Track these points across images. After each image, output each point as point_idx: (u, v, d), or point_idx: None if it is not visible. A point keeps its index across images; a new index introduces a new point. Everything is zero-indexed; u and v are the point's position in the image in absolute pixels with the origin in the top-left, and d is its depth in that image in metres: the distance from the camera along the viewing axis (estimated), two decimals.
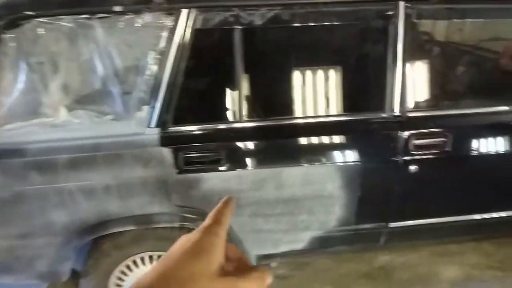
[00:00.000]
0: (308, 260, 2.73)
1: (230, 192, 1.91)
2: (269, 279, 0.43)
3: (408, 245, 2.66)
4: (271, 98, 2.07)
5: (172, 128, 1.87)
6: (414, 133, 2.01)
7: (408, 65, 1.98)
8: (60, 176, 1.81)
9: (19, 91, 1.76)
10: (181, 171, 1.88)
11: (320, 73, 2.31)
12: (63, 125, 1.80)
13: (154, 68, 1.80)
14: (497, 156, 2.13)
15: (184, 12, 1.77)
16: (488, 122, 2.14)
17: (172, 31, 1.78)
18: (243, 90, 1.95)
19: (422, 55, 2.26)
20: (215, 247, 0.42)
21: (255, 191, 1.97)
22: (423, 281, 2.59)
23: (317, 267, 2.70)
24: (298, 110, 2.27)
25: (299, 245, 2.17)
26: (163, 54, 1.79)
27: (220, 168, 1.91)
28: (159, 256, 2.09)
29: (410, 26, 1.94)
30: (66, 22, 1.73)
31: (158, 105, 1.83)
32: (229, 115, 2.06)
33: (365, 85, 2.20)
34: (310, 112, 2.29)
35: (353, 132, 2.03)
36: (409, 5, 1.90)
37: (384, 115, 2.00)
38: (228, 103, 2.09)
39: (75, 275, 2.12)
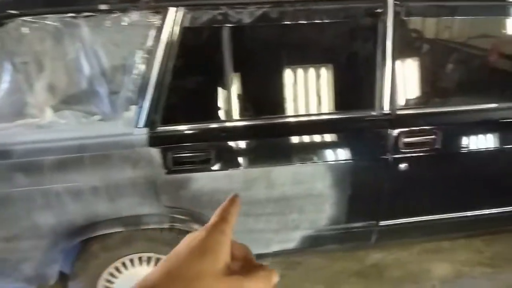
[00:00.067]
0: (299, 259, 2.72)
1: (220, 192, 1.90)
2: (275, 279, 0.42)
3: (399, 242, 2.67)
4: (261, 97, 2.06)
5: (161, 128, 1.85)
6: (404, 131, 2.01)
7: (397, 62, 1.98)
8: (46, 177, 1.78)
9: (4, 91, 1.72)
10: (170, 172, 1.86)
11: (309, 71, 2.31)
12: (49, 126, 1.77)
13: (142, 67, 1.78)
14: (487, 153, 2.14)
15: (172, 10, 1.76)
16: (477, 119, 2.14)
17: (159, 29, 1.75)
18: (232, 89, 1.93)
19: (411, 52, 2.27)
20: (221, 245, 0.41)
21: (245, 190, 1.95)
22: (414, 278, 2.60)
23: (309, 266, 2.69)
24: (287, 109, 2.26)
25: (291, 245, 2.16)
26: (151, 53, 1.77)
27: (210, 168, 1.90)
28: (148, 258, 2.06)
29: (399, 24, 1.94)
30: (51, 21, 1.70)
31: (146, 104, 1.81)
32: (218, 114, 2.04)
33: (354, 83, 2.20)
34: (300, 111, 2.28)
35: (343, 130, 2.03)
36: (398, 2, 1.90)
37: (374, 113, 2.00)
38: (217, 102, 2.08)
39: (64, 278, 2.09)
